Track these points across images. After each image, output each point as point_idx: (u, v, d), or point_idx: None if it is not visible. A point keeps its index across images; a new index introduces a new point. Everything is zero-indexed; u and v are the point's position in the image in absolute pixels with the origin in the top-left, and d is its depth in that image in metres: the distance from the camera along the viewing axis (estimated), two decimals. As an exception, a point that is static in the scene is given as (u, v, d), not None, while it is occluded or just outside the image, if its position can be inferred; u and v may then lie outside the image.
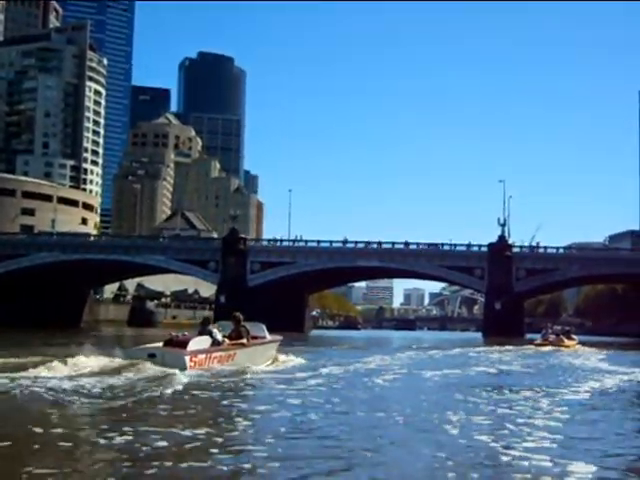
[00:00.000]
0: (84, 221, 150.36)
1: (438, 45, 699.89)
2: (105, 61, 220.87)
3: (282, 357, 25.71)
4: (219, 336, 21.60)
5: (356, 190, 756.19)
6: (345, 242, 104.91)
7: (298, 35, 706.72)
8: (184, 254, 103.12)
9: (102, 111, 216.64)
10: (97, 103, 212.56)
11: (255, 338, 23.83)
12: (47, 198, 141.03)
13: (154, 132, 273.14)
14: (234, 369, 20.50)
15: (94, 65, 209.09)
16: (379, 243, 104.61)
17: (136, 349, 20.90)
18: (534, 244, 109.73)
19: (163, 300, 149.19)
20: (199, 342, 20.51)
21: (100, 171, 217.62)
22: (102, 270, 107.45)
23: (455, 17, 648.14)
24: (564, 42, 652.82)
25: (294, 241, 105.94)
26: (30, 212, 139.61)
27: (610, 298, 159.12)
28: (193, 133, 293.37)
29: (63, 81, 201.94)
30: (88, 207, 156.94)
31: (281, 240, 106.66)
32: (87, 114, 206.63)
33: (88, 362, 18.48)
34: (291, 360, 25.66)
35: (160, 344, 20.28)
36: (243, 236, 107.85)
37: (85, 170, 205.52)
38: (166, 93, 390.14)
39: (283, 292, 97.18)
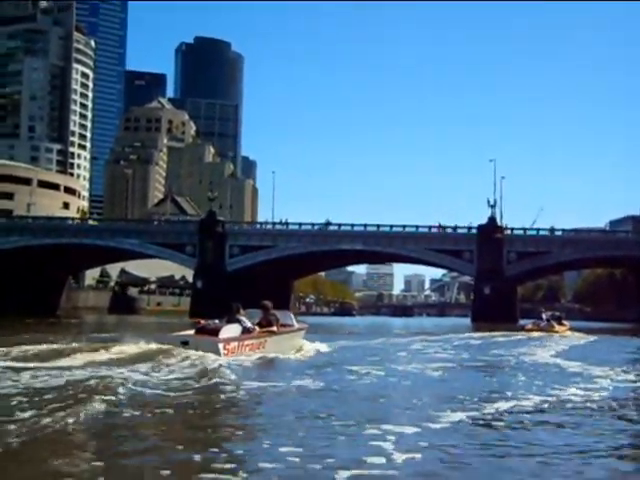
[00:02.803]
0: (66, 205, 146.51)
1: (430, 28, 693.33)
2: (93, 43, 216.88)
3: (308, 345, 25.05)
4: (248, 324, 21.42)
5: (351, 175, 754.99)
6: (328, 224, 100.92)
7: (295, 19, 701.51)
8: (160, 238, 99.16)
9: (90, 94, 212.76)
10: (84, 86, 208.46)
11: (284, 326, 23.64)
12: (26, 182, 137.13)
13: (147, 117, 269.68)
14: (269, 356, 20.68)
15: (81, 47, 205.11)
16: (364, 225, 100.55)
17: (168, 336, 20.99)
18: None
19: (148, 287, 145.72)
20: (230, 330, 20.39)
21: (88, 155, 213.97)
22: (77, 255, 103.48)
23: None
24: (563, 23, 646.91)
25: (274, 224, 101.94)
26: (9, 196, 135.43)
27: (609, 283, 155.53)
28: (187, 117, 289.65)
29: (49, 63, 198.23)
30: (70, 191, 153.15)
31: (261, 223, 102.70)
32: (74, 97, 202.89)
33: (128, 350, 18.85)
34: (318, 348, 25.07)
35: (192, 332, 20.58)
36: (221, 219, 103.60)
37: (72, 154, 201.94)
38: (162, 78, 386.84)
39: (265, 277, 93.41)
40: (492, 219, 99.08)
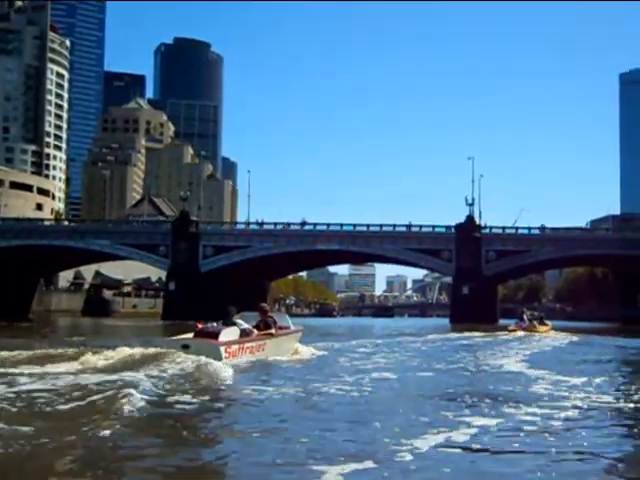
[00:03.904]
0: (39, 207, 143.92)
1: (412, 25, 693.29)
2: (68, 42, 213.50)
3: (302, 348, 24.93)
4: (245, 326, 21.47)
5: (332, 176, 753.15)
6: (303, 224, 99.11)
7: (275, 20, 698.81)
8: (131, 238, 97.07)
9: (66, 94, 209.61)
10: (60, 86, 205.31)
11: (281, 329, 23.67)
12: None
13: (124, 117, 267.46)
14: (268, 359, 20.81)
15: (56, 47, 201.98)
16: (340, 225, 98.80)
17: (168, 340, 20.88)
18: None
19: (123, 289, 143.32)
20: (229, 333, 20.40)
21: (64, 156, 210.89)
22: (48, 257, 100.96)
23: None
24: (546, 23, 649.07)
25: (248, 223, 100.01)
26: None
27: (589, 282, 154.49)
28: (165, 118, 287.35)
29: (23, 63, 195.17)
30: (44, 192, 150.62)
31: (235, 223, 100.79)
32: (49, 97, 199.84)
33: (128, 354, 18.45)
34: (312, 351, 24.97)
35: (190, 335, 20.23)
36: (194, 219, 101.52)
37: (48, 155, 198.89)
38: (141, 79, 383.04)
39: (239, 278, 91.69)
40: (470, 217, 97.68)
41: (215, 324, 21.05)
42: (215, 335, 19.84)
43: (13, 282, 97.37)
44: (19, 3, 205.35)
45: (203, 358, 17.94)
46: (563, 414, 11.61)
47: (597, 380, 16.97)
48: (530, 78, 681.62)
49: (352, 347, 29.51)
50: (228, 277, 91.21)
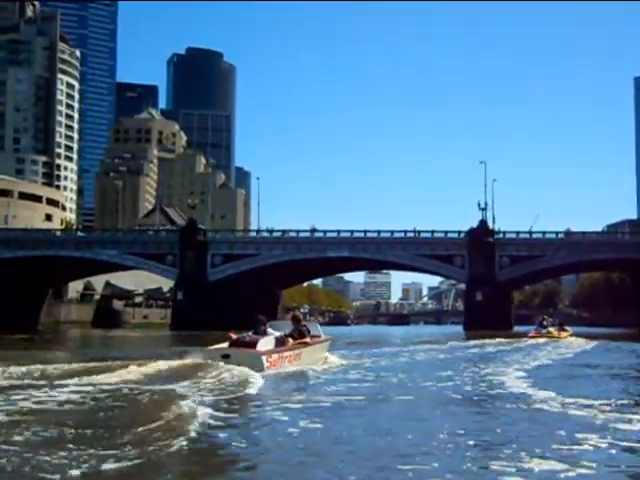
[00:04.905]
0: (48, 217, 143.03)
1: (421, 28, 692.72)
2: (78, 53, 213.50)
3: (330, 357, 24.59)
4: (277, 334, 21.29)
5: (345, 184, 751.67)
6: (313, 231, 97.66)
7: (287, 29, 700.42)
8: (138, 248, 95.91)
9: (76, 105, 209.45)
10: (70, 97, 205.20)
11: (313, 337, 23.49)
12: (6, 193, 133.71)
13: (136, 128, 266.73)
14: (305, 368, 20.56)
15: (66, 57, 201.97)
16: (351, 232, 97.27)
17: (208, 350, 20.37)
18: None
19: (135, 299, 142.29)
20: (266, 342, 20.23)
21: (75, 167, 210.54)
22: (56, 268, 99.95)
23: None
24: (559, 24, 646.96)
25: (257, 231, 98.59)
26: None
27: (606, 288, 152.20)
28: (177, 128, 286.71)
29: (34, 74, 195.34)
30: (53, 203, 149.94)
31: (244, 230, 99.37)
32: (60, 108, 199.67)
33: (169, 365, 18.76)
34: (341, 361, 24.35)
35: (225, 345, 20.13)
36: (202, 227, 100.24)
37: (58, 166, 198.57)
38: (154, 90, 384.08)
39: (249, 287, 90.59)
40: (483, 222, 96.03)
41: (251, 333, 20.86)
42: (253, 344, 19.74)
43: (21, 293, 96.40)
44: (29, 14, 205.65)
45: (245, 368, 17.87)
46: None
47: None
48: (543, 81, 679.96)
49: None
50: (237, 286, 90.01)
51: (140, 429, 9.85)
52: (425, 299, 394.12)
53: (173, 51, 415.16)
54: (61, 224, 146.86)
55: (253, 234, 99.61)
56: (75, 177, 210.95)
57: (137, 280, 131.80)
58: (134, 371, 17.12)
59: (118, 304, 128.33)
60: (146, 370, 17.49)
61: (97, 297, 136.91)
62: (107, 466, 7.70)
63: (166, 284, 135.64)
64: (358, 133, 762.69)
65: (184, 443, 8.90)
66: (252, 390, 14.92)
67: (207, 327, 75.83)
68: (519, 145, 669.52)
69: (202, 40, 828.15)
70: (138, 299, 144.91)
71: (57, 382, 14.86)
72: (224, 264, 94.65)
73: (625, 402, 13.84)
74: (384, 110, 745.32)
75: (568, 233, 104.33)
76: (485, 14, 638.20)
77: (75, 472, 7.46)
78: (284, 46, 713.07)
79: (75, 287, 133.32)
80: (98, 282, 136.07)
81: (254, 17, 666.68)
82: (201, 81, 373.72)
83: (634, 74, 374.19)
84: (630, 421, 11.25)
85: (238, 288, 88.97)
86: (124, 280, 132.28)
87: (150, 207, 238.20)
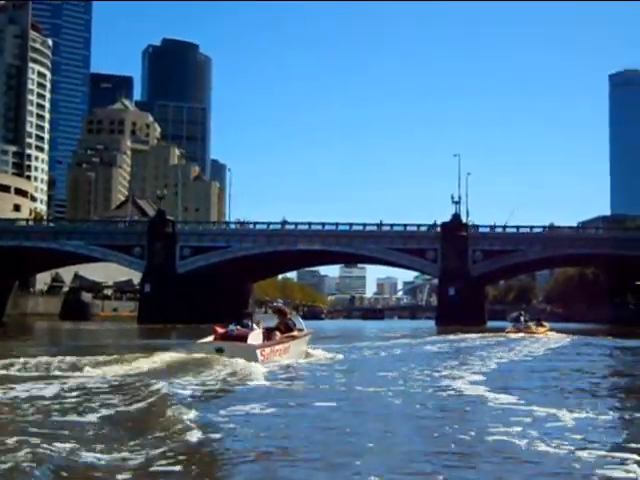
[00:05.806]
0: (17, 207, 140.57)
1: (411, 25, 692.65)
2: (50, 42, 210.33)
3: (312, 351, 24.59)
4: (261, 327, 21.33)
5: (318, 175, 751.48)
6: (284, 224, 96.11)
7: (264, 21, 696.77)
8: (106, 239, 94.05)
9: (48, 94, 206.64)
10: (42, 86, 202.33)
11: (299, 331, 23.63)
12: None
13: (110, 119, 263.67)
14: (295, 361, 20.97)
15: (38, 46, 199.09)
16: (322, 224, 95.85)
17: (201, 344, 20.47)
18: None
19: (105, 292, 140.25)
20: (256, 335, 20.41)
21: (46, 157, 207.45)
22: (22, 259, 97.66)
23: None
24: (536, 20, 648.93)
25: (227, 223, 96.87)
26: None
27: (580, 283, 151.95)
28: (151, 119, 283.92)
29: (4, 62, 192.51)
30: (22, 193, 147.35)
31: (214, 222, 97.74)
32: (30, 97, 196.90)
33: (164, 359, 18.91)
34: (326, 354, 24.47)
35: (211, 338, 20.35)
36: (171, 218, 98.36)
37: (29, 156, 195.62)
38: (129, 81, 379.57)
39: (219, 280, 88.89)
40: (456, 216, 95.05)
41: (239, 326, 20.66)
42: (244, 338, 19.84)
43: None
44: (1, 2, 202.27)
45: (240, 361, 18.12)
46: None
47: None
48: (522, 77, 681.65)
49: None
50: (207, 278, 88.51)
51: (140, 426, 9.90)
52: (400, 294, 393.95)
53: (148, 42, 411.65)
54: (30, 215, 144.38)
55: (223, 226, 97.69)
56: (46, 167, 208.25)
57: (107, 272, 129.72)
58: (137, 365, 17.53)
59: (87, 296, 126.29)
60: (131, 365, 17.62)
61: (65, 289, 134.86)
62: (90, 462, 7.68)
63: (136, 277, 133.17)
64: (339, 129, 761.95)
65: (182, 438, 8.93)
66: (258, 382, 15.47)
67: (175, 320, 74.45)
68: (497, 140, 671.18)
69: (178, 31, 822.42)
70: (108, 291, 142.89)
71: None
72: (194, 256, 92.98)
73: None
74: (361, 103, 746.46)
75: (552, 227, 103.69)
76: (462, 13, 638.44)
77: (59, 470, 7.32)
78: (261, 39, 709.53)
79: (43, 279, 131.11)
80: (67, 274, 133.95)
81: (231, 9, 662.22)
82: (177, 73, 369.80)
83: (609, 71, 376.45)
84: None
85: (208, 280, 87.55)
86: (94, 272, 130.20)
87: (123, 199, 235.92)
